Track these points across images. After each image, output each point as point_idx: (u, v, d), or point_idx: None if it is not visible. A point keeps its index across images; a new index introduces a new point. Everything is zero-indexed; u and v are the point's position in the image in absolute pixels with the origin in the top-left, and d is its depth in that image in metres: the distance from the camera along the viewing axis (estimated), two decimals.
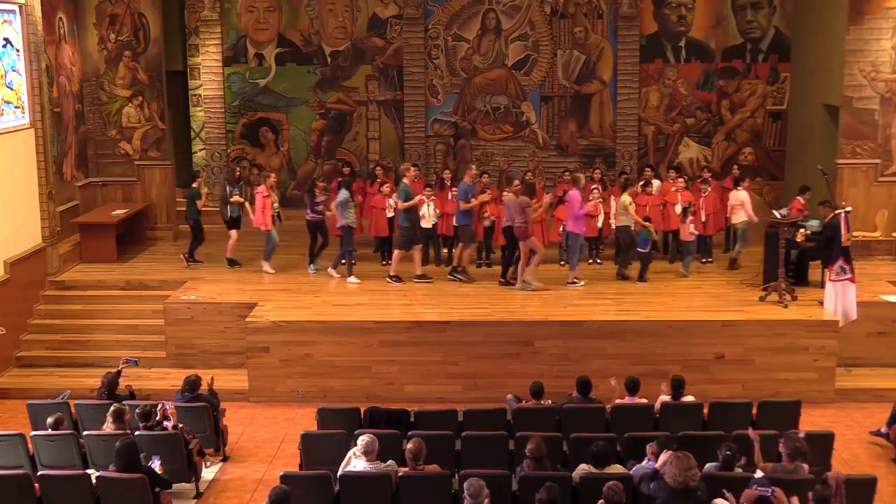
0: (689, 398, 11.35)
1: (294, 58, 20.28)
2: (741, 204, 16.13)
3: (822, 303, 14.08)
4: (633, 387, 11.32)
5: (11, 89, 15.33)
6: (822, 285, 14.45)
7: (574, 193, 15.33)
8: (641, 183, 16.67)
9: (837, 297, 13.73)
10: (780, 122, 20.21)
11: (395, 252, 15.86)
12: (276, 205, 16.46)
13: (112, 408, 10.53)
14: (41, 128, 15.84)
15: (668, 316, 14.01)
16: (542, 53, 20.09)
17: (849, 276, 13.73)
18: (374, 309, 14.42)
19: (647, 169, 17.43)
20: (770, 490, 7.88)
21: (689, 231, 15.88)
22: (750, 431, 9.82)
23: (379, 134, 20.44)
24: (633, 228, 15.56)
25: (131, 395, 11.97)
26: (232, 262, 16.65)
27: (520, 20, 20.02)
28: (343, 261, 15.94)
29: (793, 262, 14.92)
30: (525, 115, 20.29)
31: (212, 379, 12.04)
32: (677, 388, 11.28)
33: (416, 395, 13.42)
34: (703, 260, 16.67)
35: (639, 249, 15.70)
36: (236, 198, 16.61)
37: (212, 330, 14.55)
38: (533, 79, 20.20)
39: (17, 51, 15.49)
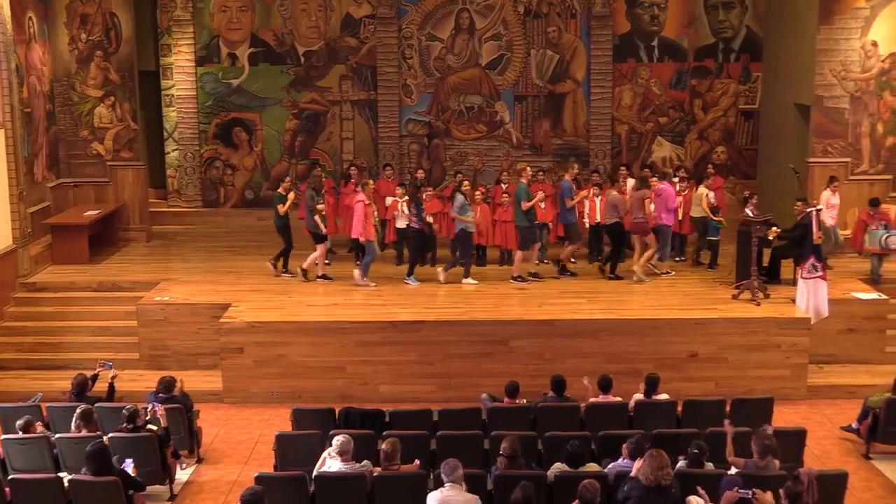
0: (663, 396, 11.40)
1: (267, 58, 20.20)
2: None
3: (794, 300, 14.20)
4: (606, 385, 11.36)
5: None
6: (794, 283, 14.56)
7: (666, 187, 15.82)
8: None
9: (809, 295, 13.85)
10: (752, 121, 20.34)
11: (518, 253, 15.82)
12: (376, 213, 16.20)
13: (79, 410, 10.47)
14: (11, 128, 15.69)
15: (641, 314, 14.11)
16: (515, 53, 20.12)
17: (820, 273, 13.85)
18: (348, 309, 14.41)
19: (621, 168, 17.51)
20: (751, 492, 7.91)
21: None
22: (725, 424, 9.90)
23: (353, 134, 20.40)
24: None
25: (111, 393, 11.89)
26: (314, 275, 15.89)
27: (493, 20, 20.03)
28: (456, 264, 15.89)
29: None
30: (499, 114, 20.30)
31: (181, 381, 11.95)
32: (651, 386, 11.33)
33: (391, 395, 13.41)
34: (676, 259, 16.76)
35: (709, 238, 16.33)
36: (322, 206, 15.94)
37: (185, 331, 14.49)
38: (507, 78, 20.22)
39: None
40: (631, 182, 16.68)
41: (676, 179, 16.73)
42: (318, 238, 15.78)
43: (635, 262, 15.77)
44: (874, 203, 15.21)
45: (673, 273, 16.13)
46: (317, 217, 15.68)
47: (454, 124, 20.35)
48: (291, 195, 16.03)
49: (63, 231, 17.02)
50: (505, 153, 20.29)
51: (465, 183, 16.10)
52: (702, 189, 16.56)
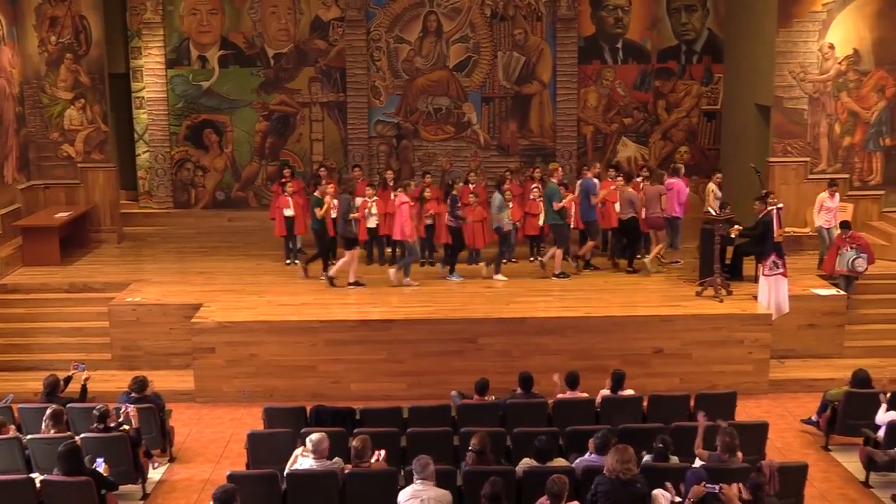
0: (629, 392, 11.44)
1: (237, 60, 20.11)
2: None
3: (755, 297, 14.31)
4: (572, 381, 11.40)
5: None
6: (755, 280, 14.69)
7: (678, 182, 16.14)
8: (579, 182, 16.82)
9: (770, 292, 13.96)
10: (714, 122, 20.49)
11: (557, 251, 15.82)
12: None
13: (48, 410, 10.37)
14: None
15: (607, 311, 14.14)
16: (482, 55, 20.14)
17: (781, 270, 13.97)
18: (318, 308, 14.37)
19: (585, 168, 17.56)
20: (717, 487, 7.96)
21: None
22: (699, 416, 9.96)
23: (322, 135, 20.34)
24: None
25: (84, 394, 11.80)
26: (347, 282, 15.43)
27: (460, 22, 20.05)
28: (504, 260, 16.00)
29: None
30: (466, 115, 20.32)
31: (151, 382, 11.84)
32: (617, 382, 11.37)
33: (361, 393, 13.37)
34: (638, 256, 16.80)
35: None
36: (356, 214, 15.67)
37: (157, 331, 14.39)
38: (474, 80, 20.24)
39: None
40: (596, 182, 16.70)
41: (640, 179, 16.80)
42: (350, 243, 15.35)
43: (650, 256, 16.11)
44: (845, 226, 15.06)
45: (681, 262, 16.36)
46: (352, 220, 15.39)
47: (422, 125, 20.35)
48: (328, 199, 15.58)
49: (34, 233, 16.83)
50: (472, 154, 20.32)
51: (507, 182, 16.46)
52: (710, 185, 16.78)
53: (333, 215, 15.58)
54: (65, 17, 17.91)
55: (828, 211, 15.97)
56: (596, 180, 16.13)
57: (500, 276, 15.78)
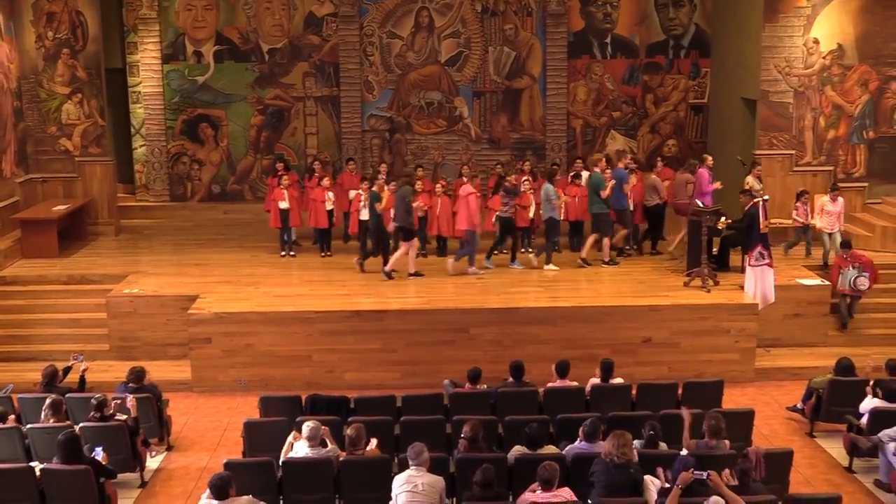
0: (618, 380, 11.45)
1: (232, 55, 20.07)
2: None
3: (742, 287, 14.34)
4: (563, 370, 11.40)
5: None
6: (742, 270, 14.71)
7: (703, 171, 16.13)
8: (571, 174, 16.83)
9: (757, 282, 13.99)
10: (701, 115, 20.52)
11: (605, 240, 15.92)
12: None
13: (48, 400, 10.37)
14: None
15: (597, 301, 14.16)
16: (473, 50, 20.12)
17: (767, 261, 13.99)
18: (313, 299, 14.36)
19: (577, 161, 17.56)
20: (706, 474, 7.98)
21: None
22: (682, 410, 9.98)
23: (316, 129, 20.31)
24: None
25: (82, 384, 11.79)
26: (408, 273, 15.41)
27: (452, 18, 20.02)
28: (549, 250, 15.98)
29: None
30: (458, 109, 20.31)
31: (148, 372, 11.84)
32: (607, 370, 11.38)
33: (355, 382, 13.38)
34: (628, 247, 16.82)
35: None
36: (419, 204, 15.74)
37: (154, 322, 14.37)
38: (465, 74, 20.22)
39: None
40: (585, 175, 16.65)
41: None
42: (408, 234, 15.29)
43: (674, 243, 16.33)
44: (845, 245, 14.85)
45: None
46: (415, 209, 15.42)
47: (415, 119, 20.33)
48: (386, 194, 15.52)
49: (32, 226, 16.78)
50: (464, 147, 20.32)
51: (557, 170, 16.89)
52: (749, 178, 16.32)
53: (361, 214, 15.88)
54: (62, 13, 17.83)
55: (829, 215, 15.65)
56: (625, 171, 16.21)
57: (551, 267, 15.74)
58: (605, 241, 15.91)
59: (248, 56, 20.06)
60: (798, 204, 16.10)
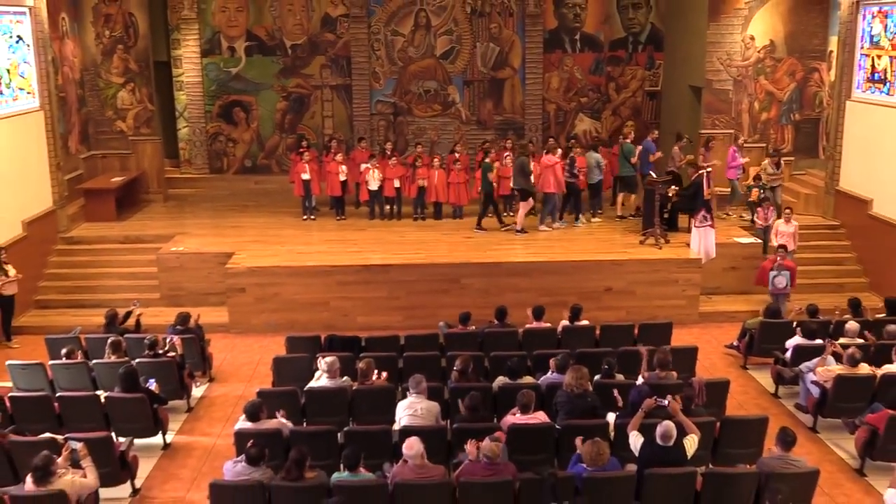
0: (584, 322, 11.51)
1: (260, 50, 19.86)
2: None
3: (688, 244, 14.37)
4: (538, 314, 11.44)
5: (24, 78, 14.82)
6: (688, 231, 14.72)
7: (732, 149, 16.21)
8: (545, 151, 16.74)
9: (700, 240, 14.00)
10: (655, 101, 20.39)
11: (631, 197, 16.23)
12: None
13: (109, 340, 10.42)
14: (49, 110, 15.34)
15: (567, 257, 14.15)
16: (464, 45, 19.94)
17: (709, 223, 14.00)
18: (331, 255, 14.35)
19: (550, 139, 17.49)
20: (667, 401, 8.03)
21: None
22: (640, 347, 10.04)
23: (332, 113, 20.17)
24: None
25: (138, 326, 11.81)
26: (522, 231, 15.34)
27: (446, 18, 19.82)
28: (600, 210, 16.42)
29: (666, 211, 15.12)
30: (451, 96, 20.16)
31: (198, 315, 11.94)
32: (575, 314, 11.43)
33: (366, 324, 13.42)
34: (595, 212, 16.79)
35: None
36: (534, 166, 15.37)
37: (197, 275, 14.37)
38: (457, 66, 20.06)
39: (28, 46, 14.95)
40: (559, 151, 16.53)
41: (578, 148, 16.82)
42: (525, 195, 15.21)
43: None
44: (782, 248, 13.36)
45: (734, 215, 16.30)
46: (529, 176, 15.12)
47: (414, 104, 20.18)
48: (497, 164, 15.69)
49: (94, 194, 16.73)
50: (456, 128, 20.21)
51: (578, 149, 16.44)
52: (765, 162, 15.81)
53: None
54: (117, 15, 17.65)
55: (782, 235, 13.91)
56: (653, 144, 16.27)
57: (585, 220, 16.06)
58: (631, 198, 16.20)
59: (274, 50, 19.86)
60: (759, 209, 15.14)
